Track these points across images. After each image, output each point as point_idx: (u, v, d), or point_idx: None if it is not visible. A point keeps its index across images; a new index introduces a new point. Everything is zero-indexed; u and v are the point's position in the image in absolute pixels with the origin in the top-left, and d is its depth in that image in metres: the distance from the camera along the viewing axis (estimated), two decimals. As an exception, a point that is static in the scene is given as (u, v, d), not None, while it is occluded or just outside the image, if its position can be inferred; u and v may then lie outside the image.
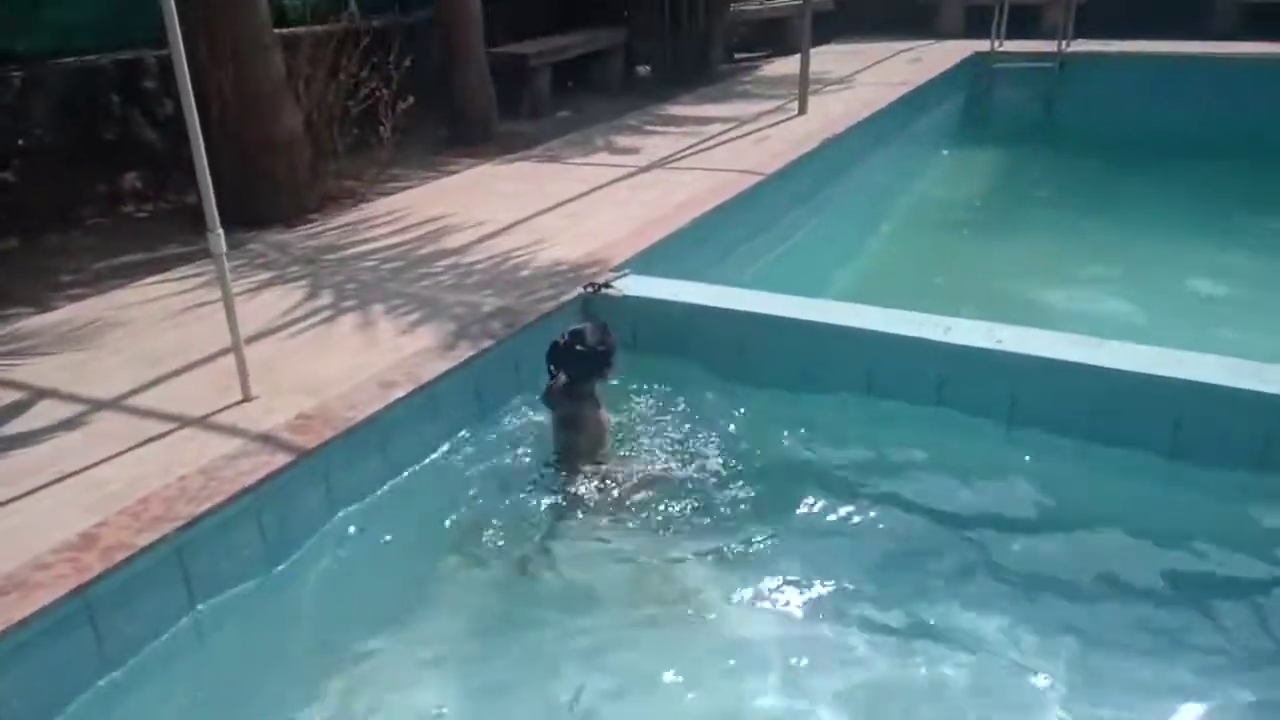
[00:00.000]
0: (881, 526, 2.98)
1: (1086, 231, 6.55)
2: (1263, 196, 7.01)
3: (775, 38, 11.80)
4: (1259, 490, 2.95)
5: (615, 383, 3.44)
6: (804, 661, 2.51)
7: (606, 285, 4.04)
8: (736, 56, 11.46)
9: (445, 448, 3.33)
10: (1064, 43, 9.75)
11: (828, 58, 10.38)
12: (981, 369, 3.33)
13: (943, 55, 10.24)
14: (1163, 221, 6.52)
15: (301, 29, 5.99)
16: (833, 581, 2.76)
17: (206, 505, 2.54)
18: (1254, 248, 6.06)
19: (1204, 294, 5.37)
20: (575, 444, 3.25)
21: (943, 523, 2.97)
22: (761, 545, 2.90)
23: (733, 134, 7.08)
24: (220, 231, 2.99)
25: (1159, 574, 2.75)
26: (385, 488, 3.10)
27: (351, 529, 2.94)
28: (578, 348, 3.19)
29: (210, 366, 3.40)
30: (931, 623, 2.61)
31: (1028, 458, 3.21)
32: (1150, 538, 2.85)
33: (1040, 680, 2.43)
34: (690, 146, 6.74)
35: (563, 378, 3.26)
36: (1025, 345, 3.31)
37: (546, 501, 3.10)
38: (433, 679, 2.53)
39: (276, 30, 5.51)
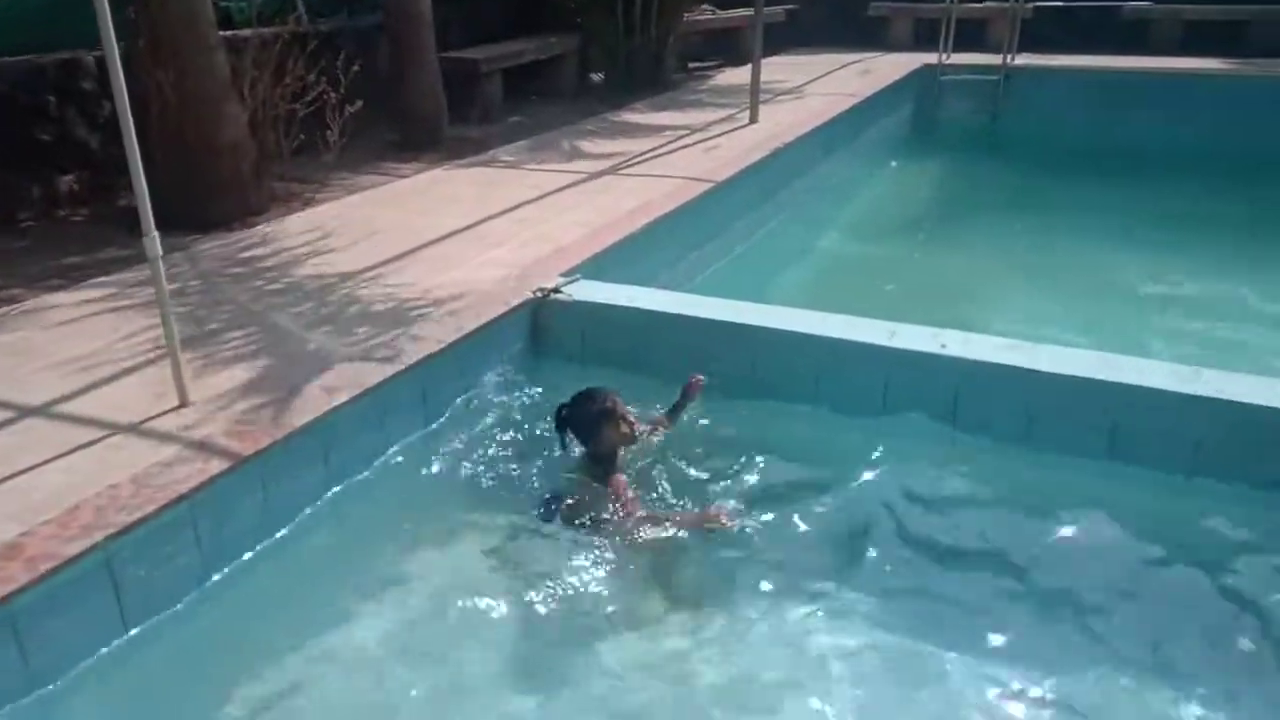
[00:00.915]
0: (832, 530, 2.99)
1: (1030, 239, 6.68)
2: (1200, 206, 7.22)
3: (728, 47, 11.89)
4: (1191, 490, 3.02)
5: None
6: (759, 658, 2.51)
7: (556, 290, 4.02)
8: (689, 65, 11.52)
9: (393, 451, 3.27)
10: (1009, 56, 9.95)
11: (779, 68, 10.47)
12: (927, 373, 3.37)
13: (892, 67, 10.39)
14: (1103, 230, 6.68)
15: (247, 31, 5.89)
16: (786, 581, 2.76)
17: (138, 514, 2.47)
18: (1192, 255, 6.23)
19: (1143, 299, 5.50)
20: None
21: (892, 526, 2.99)
22: (716, 546, 2.89)
23: (684, 141, 7.11)
24: (155, 235, 2.92)
25: (1101, 571, 2.79)
26: (328, 493, 3.03)
27: (292, 536, 2.88)
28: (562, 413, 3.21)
29: (145, 372, 3.31)
30: (873, 616, 2.63)
31: (972, 460, 3.25)
32: (1089, 535, 2.90)
33: (966, 664, 2.47)
34: (642, 153, 6.75)
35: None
36: (968, 350, 3.35)
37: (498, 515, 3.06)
38: (376, 687, 2.48)
39: (222, 32, 5.42)
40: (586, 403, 3.15)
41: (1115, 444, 3.14)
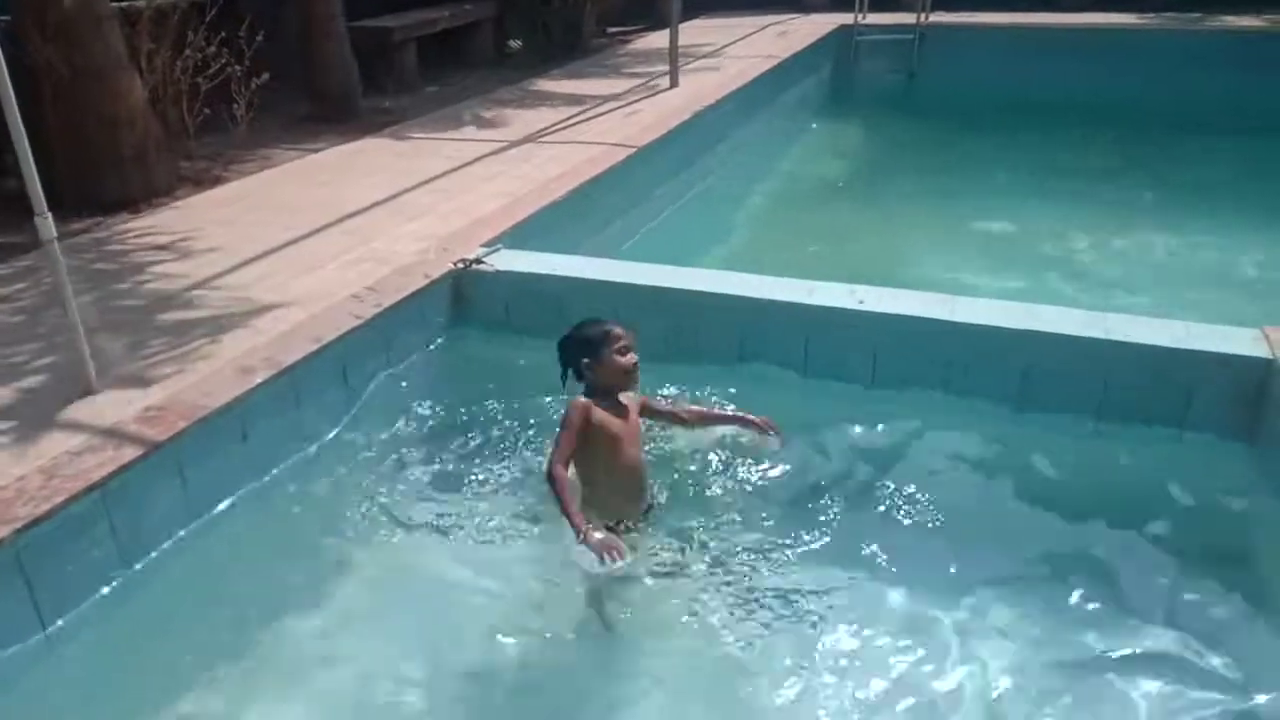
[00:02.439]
0: (754, 488, 3.02)
1: (947, 194, 6.81)
2: (1110, 157, 7.45)
3: (647, 11, 11.80)
4: (1101, 434, 3.14)
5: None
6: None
7: (478, 261, 3.97)
8: (608, 30, 11.40)
9: (315, 430, 3.21)
10: (923, 15, 10.07)
11: (698, 31, 10.44)
12: (844, 328, 3.43)
13: (809, 29, 10.43)
14: (1016, 182, 6.85)
15: (142, 1, 5.63)
16: (694, 538, 2.79)
17: (47, 506, 2.38)
18: (1102, 204, 6.44)
19: (1055, 248, 5.66)
20: None
21: (822, 480, 3.05)
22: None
23: (605, 108, 7.05)
24: (49, 216, 2.79)
25: (1012, 519, 2.89)
26: (248, 477, 2.97)
27: (213, 522, 2.81)
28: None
29: (49, 359, 3.18)
30: (804, 564, 2.69)
31: (892, 411, 3.33)
32: (1003, 482, 2.99)
33: (880, 605, 2.55)
34: (562, 120, 6.68)
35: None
36: (884, 304, 3.42)
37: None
38: (301, 677, 2.45)
39: (115, 3, 5.18)
40: (584, 328, 2.91)
41: (1027, 389, 3.24)
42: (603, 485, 2.77)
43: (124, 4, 5.48)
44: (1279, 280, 5.12)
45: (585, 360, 2.85)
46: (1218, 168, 7.19)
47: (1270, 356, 2.96)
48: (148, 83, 5.35)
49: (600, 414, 2.76)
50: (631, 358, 2.84)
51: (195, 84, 5.66)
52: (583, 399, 2.78)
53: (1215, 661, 2.35)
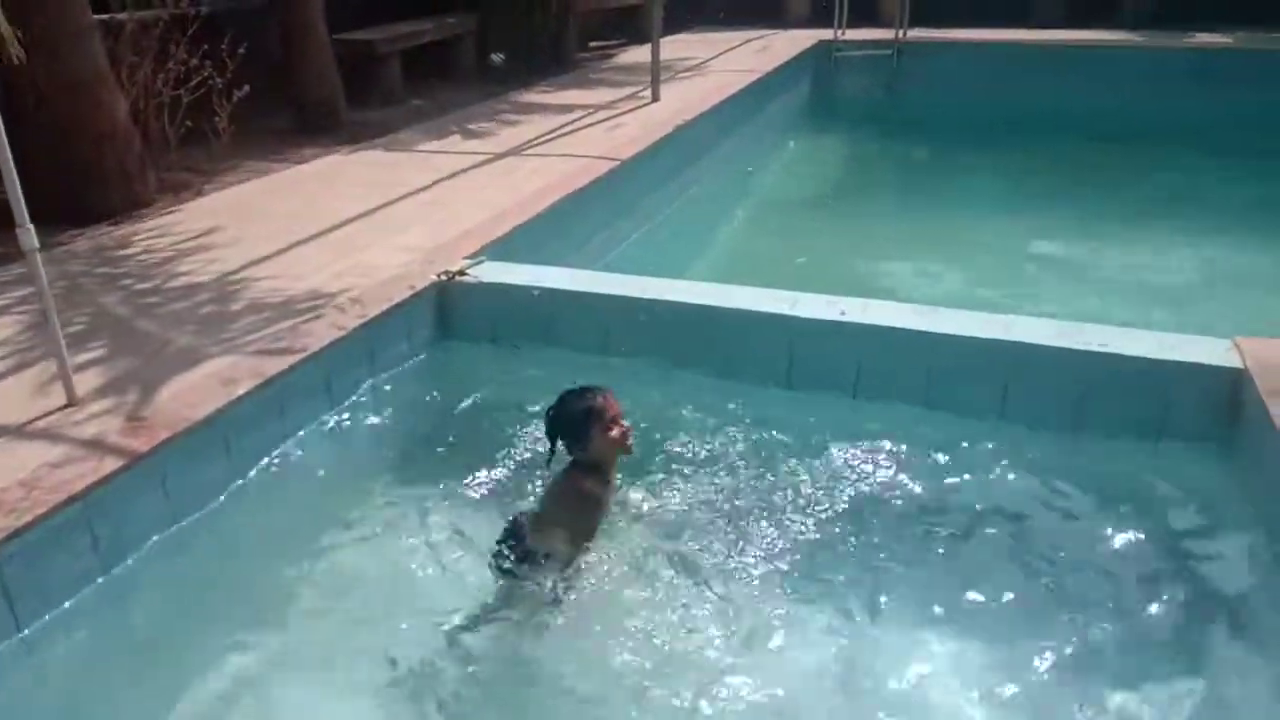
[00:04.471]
0: (741, 502, 3.03)
1: (923, 208, 6.89)
2: (1085, 171, 7.55)
3: (629, 26, 11.88)
4: (1079, 442, 3.18)
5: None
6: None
7: (461, 273, 3.98)
8: (591, 44, 11.47)
9: (298, 442, 3.21)
10: (900, 31, 10.20)
11: (680, 45, 10.52)
12: (828, 340, 3.46)
13: (789, 43, 10.54)
14: (992, 196, 6.93)
15: (124, 14, 5.63)
16: (675, 549, 2.80)
17: (27, 518, 2.36)
18: (1078, 216, 6.52)
19: (1032, 260, 5.73)
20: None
21: (805, 490, 3.05)
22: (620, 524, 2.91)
23: (588, 121, 7.09)
24: (30, 227, 2.78)
25: (1001, 528, 2.92)
26: (231, 489, 2.96)
27: (194, 534, 2.80)
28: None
29: (29, 371, 3.16)
30: (787, 579, 2.69)
31: (877, 422, 3.35)
32: (983, 489, 3.03)
33: (865, 619, 2.56)
34: (546, 133, 6.71)
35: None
36: (866, 316, 3.45)
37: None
38: (282, 690, 2.43)
39: (97, 16, 5.17)
40: (572, 400, 2.81)
41: (1006, 398, 3.28)
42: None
43: (105, 16, 5.48)
44: (1251, 291, 5.21)
45: (578, 438, 2.79)
46: (1191, 181, 7.31)
47: (1241, 366, 3.01)
48: (129, 95, 5.34)
49: (589, 495, 2.76)
50: (626, 427, 2.79)
51: (177, 97, 5.65)
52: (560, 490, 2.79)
53: (1189, 668, 2.38)
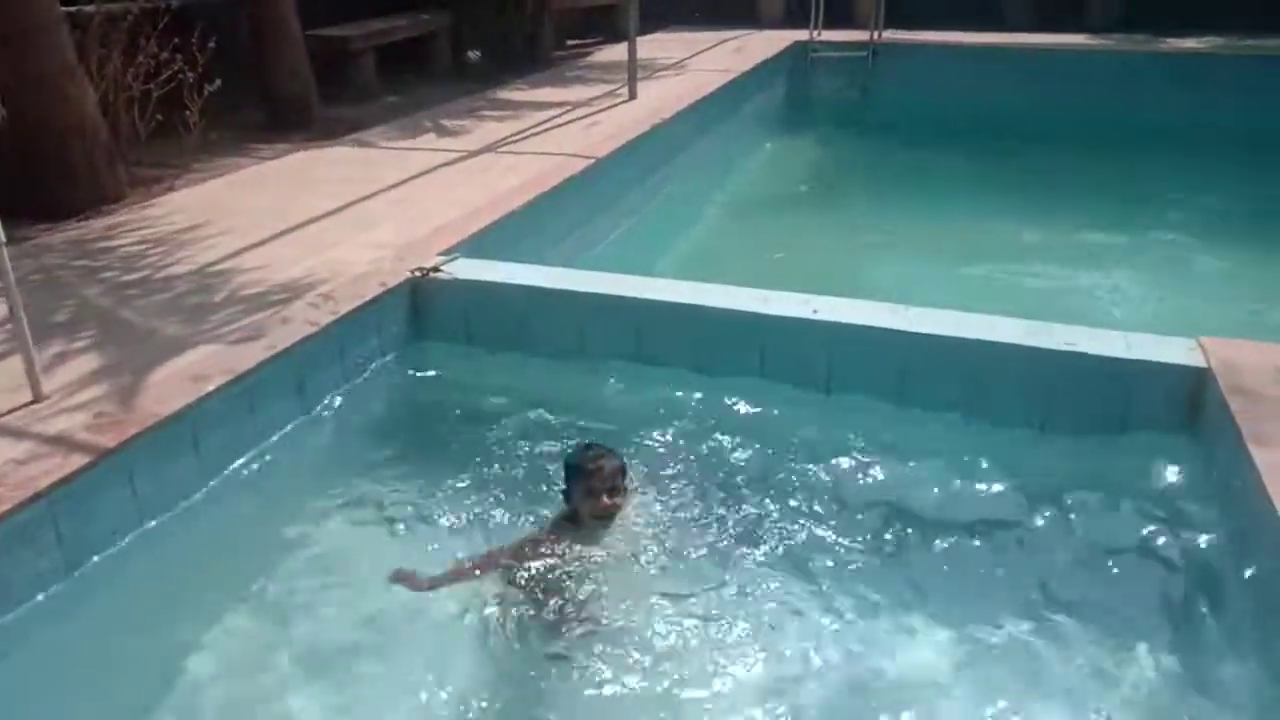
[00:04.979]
0: (721, 494, 3.05)
1: (897, 208, 6.94)
2: (1055, 171, 7.63)
3: (606, 24, 11.86)
4: (1046, 439, 3.23)
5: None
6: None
7: (435, 269, 3.97)
8: (568, 43, 11.44)
9: (269, 439, 3.18)
10: (875, 33, 10.25)
11: (656, 45, 10.52)
12: (800, 337, 3.48)
13: (764, 44, 10.56)
14: (965, 197, 7.00)
15: (91, 7, 5.55)
16: (652, 542, 2.81)
17: (-8, 514, 2.34)
18: (1048, 216, 6.59)
19: (1003, 260, 5.79)
20: None
21: (777, 485, 3.07)
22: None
23: (564, 119, 7.08)
24: (-3, 220, 2.74)
25: (970, 522, 2.95)
26: (201, 487, 2.93)
27: (163, 532, 2.77)
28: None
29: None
30: (763, 572, 2.72)
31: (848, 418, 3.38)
32: (952, 483, 3.06)
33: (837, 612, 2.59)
34: (521, 131, 6.70)
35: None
36: (838, 314, 3.48)
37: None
38: (250, 687, 2.41)
39: (64, 8, 5.10)
40: (574, 453, 2.88)
41: (974, 395, 3.31)
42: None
43: (73, 9, 5.41)
44: (1215, 291, 5.29)
45: (565, 491, 2.85)
46: (1160, 183, 7.42)
47: (1204, 365, 3.06)
48: (98, 89, 5.27)
49: (555, 547, 2.71)
50: (602, 502, 2.75)
51: (147, 91, 5.59)
52: (536, 534, 2.78)
53: (1150, 652, 2.43)
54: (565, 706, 2.36)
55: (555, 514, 2.90)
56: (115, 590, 2.60)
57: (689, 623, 2.55)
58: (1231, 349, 3.15)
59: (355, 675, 2.45)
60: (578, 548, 2.72)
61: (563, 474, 2.89)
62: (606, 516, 2.78)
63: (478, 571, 2.68)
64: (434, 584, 2.67)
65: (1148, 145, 8.04)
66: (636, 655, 2.45)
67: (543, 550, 2.72)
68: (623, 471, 2.82)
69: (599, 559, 2.70)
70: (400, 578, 2.69)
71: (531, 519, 2.93)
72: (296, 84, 7.11)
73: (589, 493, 2.76)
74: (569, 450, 2.96)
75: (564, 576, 2.65)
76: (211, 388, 2.97)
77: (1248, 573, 2.50)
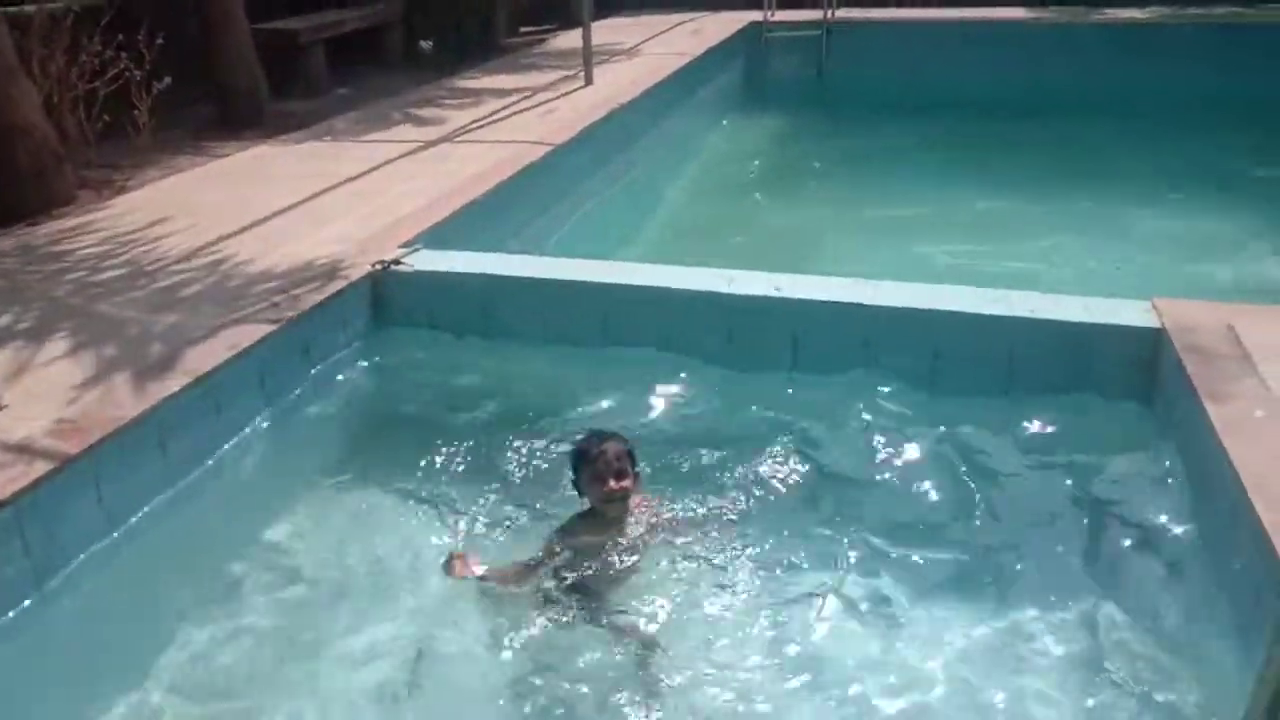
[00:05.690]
0: (692, 475, 3.08)
1: (854, 185, 7.01)
2: (1007, 144, 7.73)
3: (560, 10, 11.77)
4: (1010, 404, 3.29)
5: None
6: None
7: (396, 262, 3.94)
8: (522, 30, 11.36)
9: (235, 438, 3.15)
10: (830, 12, 10.30)
11: (611, 30, 10.48)
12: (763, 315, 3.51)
13: (720, 26, 10.56)
14: (920, 172, 7.08)
15: (31, 6, 5.42)
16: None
17: (-44, 524, 2.30)
18: (1002, 188, 6.70)
19: (960, 232, 5.87)
20: None
21: (750, 465, 3.10)
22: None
23: (520, 106, 7.04)
24: (-57, 225, 2.68)
25: (936, 490, 3.00)
26: (168, 489, 2.89)
27: (131, 536, 2.74)
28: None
29: (-49, 377, 3.06)
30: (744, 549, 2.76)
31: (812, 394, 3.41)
32: (921, 452, 3.12)
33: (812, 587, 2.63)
34: (477, 120, 6.65)
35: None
36: (800, 291, 3.51)
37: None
38: (223, 691, 2.40)
39: (3, 9, 4.97)
40: (580, 440, 2.83)
41: (938, 365, 3.36)
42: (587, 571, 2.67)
43: (12, 9, 5.28)
44: (1166, 254, 5.40)
45: (574, 482, 2.78)
46: (1111, 151, 7.55)
47: (1159, 326, 3.13)
48: (41, 90, 5.15)
49: (575, 542, 2.68)
50: (608, 486, 2.66)
51: (93, 90, 5.47)
52: (557, 532, 2.73)
53: (1107, 606, 2.51)
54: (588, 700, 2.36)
55: (571, 513, 2.82)
56: (85, 599, 2.56)
57: (667, 599, 2.58)
58: (1184, 308, 3.23)
59: (332, 674, 2.44)
60: (597, 538, 2.68)
61: (570, 468, 2.81)
62: (618, 500, 2.70)
63: (518, 582, 2.63)
64: (483, 578, 2.62)
65: (1103, 114, 8.19)
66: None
67: (563, 548, 2.68)
68: (629, 454, 2.74)
69: (620, 546, 2.68)
70: (453, 562, 2.63)
71: (510, 504, 2.94)
72: (244, 78, 6.99)
73: (595, 478, 2.68)
74: (575, 441, 2.87)
75: (589, 567, 2.63)
76: (174, 389, 2.93)
77: (1204, 528, 2.58)
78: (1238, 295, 4.18)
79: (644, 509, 2.81)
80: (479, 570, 2.65)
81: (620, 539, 2.70)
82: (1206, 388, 2.73)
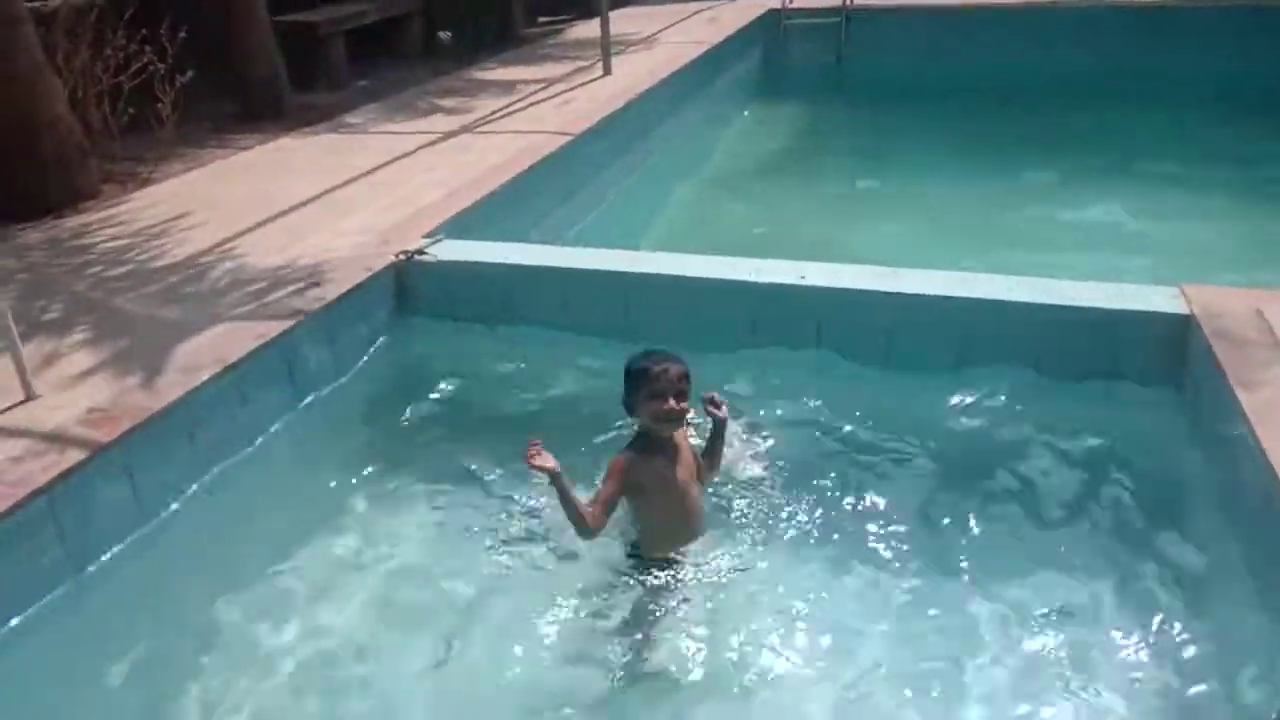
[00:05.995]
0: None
1: (878, 172, 6.96)
2: (1031, 129, 7.66)
3: (577, 0, 11.75)
4: (1039, 391, 3.27)
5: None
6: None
7: (420, 252, 3.96)
8: (539, 20, 11.34)
9: (263, 427, 3.17)
10: (848, -1, 10.22)
11: (629, 19, 10.45)
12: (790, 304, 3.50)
13: (737, 14, 10.50)
14: (943, 158, 7.01)
15: (56, 1, 5.46)
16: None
17: (-7, 512, 2.33)
18: (1026, 174, 6.65)
19: (985, 219, 5.81)
20: None
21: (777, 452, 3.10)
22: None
23: (539, 97, 7.04)
24: (-24, 218, 2.72)
25: (964, 477, 2.99)
26: (198, 477, 2.93)
27: (163, 524, 2.77)
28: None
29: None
30: (758, 536, 2.75)
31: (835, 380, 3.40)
32: (950, 438, 3.10)
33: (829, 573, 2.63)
34: (497, 110, 6.66)
35: None
36: (827, 279, 3.50)
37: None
38: (258, 679, 2.41)
39: (28, 3, 5.02)
40: (634, 358, 2.63)
41: (965, 352, 3.34)
42: (653, 530, 2.63)
43: (37, 4, 5.32)
44: (1195, 240, 5.34)
45: (626, 400, 2.64)
46: (1133, 136, 7.46)
47: (1188, 312, 3.10)
48: (67, 84, 5.20)
49: (641, 468, 2.57)
50: (668, 405, 2.52)
51: (117, 84, 5.51)
52: (621, 457, 2.58)
53: (1141, 589, 2.49)
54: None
55: (622, 445, 2.68)
56: (119, 585, 2.59)
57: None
58: (1212, 294, 3.19)
59: (368, 657, 2.46)
60: (647, 463, 2.58)
61: (624, 384, 2.63)
62: (675, 420, 2.58)
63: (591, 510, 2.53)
64: (564, 488, 2.49)
65: (1124, 98, 8.08)
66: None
67: (618, 477, 2.56)
68: (686, 377, 2.58)
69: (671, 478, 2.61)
70: (534, 449, 2.47)
71: (535, 492, 2.93)
72: (265, 70, 7.01)
73: (653, 395, 2.53)
74: (626, 366, 2.65)
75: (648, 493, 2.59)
76: (203, 379, 2.96)
77: (1237, 514, 2.55)
78: (1266, 280, 4.12)
79: (688, 447, 2.72)
80: (557, 465, 2.48)
81: (675, 467, 2.61)
82: (1237, 374, 2.70)
